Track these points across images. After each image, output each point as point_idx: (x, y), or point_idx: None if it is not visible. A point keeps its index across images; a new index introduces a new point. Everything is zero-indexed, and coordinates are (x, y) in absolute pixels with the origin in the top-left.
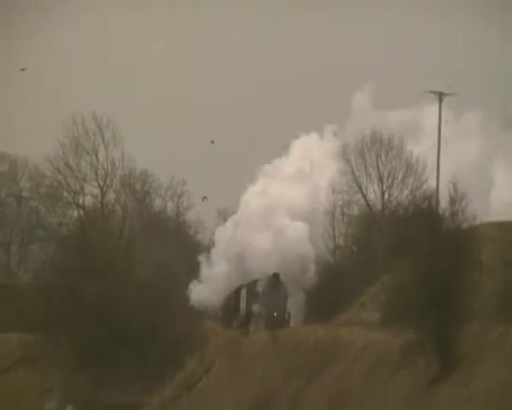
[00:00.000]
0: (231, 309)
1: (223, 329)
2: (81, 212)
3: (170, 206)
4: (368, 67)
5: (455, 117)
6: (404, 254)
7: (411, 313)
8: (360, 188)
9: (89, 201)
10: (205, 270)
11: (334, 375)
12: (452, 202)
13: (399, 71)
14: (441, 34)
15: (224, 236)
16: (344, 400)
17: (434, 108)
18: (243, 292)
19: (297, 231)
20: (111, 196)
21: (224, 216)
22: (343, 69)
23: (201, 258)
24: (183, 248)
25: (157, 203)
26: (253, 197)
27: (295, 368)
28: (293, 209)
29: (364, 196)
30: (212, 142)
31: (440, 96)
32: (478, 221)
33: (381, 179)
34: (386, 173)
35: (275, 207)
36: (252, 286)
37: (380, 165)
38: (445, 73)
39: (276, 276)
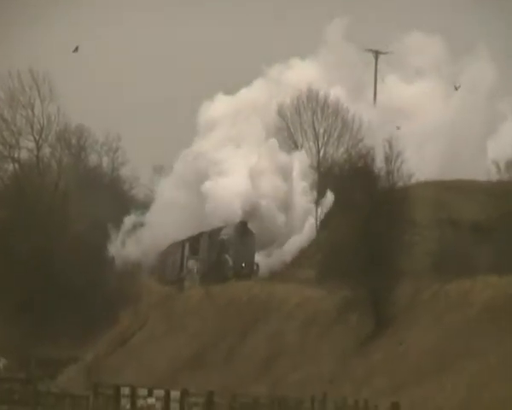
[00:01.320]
0: (181, 260)
1: (157, 284)
2: (16, 166)
3: (105, 161)
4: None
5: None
6: (339, 213)
7: (346, 270)
8: (296, 145)
9: (24, 155)
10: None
11: (268, 331)
12: (387, 160)
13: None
14: None
15: (170, 184)
16: (279, 355)
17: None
18: (204, 241)
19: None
20: (46, 150)
21: (159, 173)
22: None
23: (136, 211)
24: (118, 202)
25: (92, 158)
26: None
27: (230, 324)
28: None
29: None
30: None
31: (376, 54)
32: (414, 180)
33: (316, 137)
34: (321, 131)
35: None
36: (215, 234)
37: (315, 122)
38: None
39: (243, 224)
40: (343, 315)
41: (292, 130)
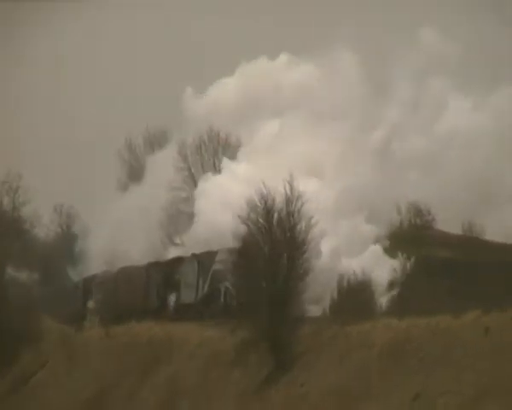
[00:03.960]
0: (146, 290)
1: (58, 324)
2: None
3: (6, 200)
4: None
5: None
6: (239, 255)
7: (246, 311)
8: (196, 185)
9: None
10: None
11: (168, 372)
12: (288, 201)
13: None
14: None
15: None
16: (179, 397)
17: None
18: (189, 268)
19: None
20: None
21: (60, 211)
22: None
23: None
24: (19, 241)
25: None
26: None
27: (130, 365)
28: None
29: None
30: None
31: None
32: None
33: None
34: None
35: None
36: (206, 260)
37: (216, 162)
38: None
39: None
40: (243, 356)
41: (193, 170)
